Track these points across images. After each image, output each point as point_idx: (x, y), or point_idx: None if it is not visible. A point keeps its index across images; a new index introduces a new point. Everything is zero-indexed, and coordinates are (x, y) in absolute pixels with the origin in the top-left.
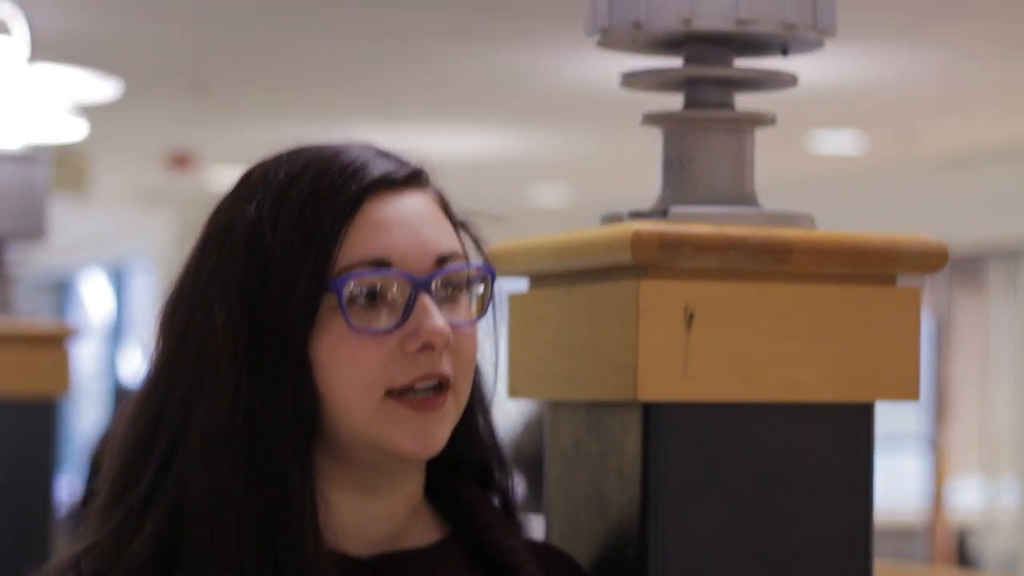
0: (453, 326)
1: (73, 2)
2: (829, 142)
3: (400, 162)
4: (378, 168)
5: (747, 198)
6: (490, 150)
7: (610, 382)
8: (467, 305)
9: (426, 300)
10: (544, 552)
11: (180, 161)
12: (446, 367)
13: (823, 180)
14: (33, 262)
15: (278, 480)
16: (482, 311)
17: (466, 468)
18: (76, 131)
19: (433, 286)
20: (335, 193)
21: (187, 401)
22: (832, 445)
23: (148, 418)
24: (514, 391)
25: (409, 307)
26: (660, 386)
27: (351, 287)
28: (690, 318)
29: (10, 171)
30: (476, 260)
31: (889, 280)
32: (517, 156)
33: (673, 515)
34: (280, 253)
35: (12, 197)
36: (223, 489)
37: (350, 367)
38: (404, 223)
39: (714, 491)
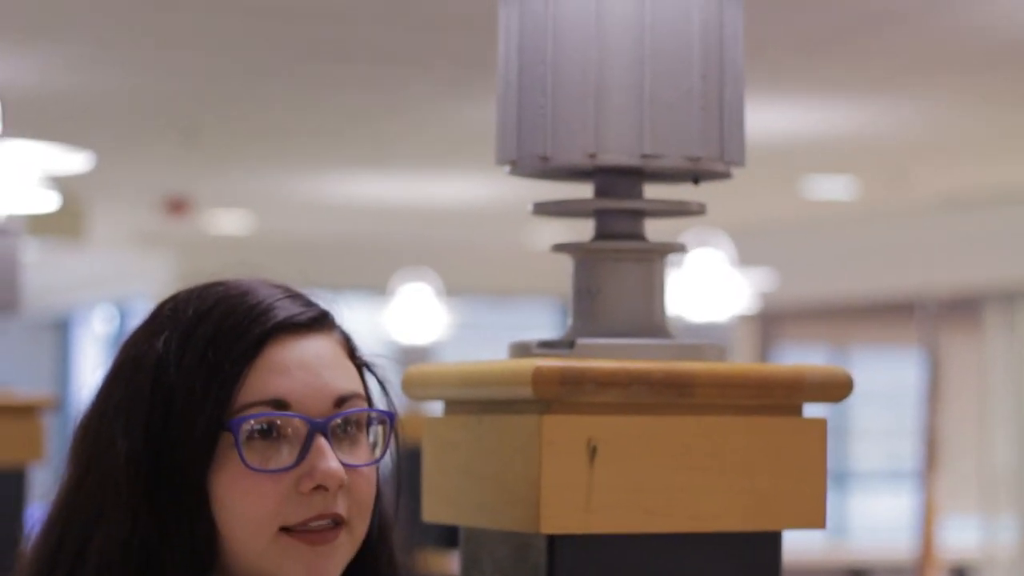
0: (349, 467)
1: (72, 56)
2: (822, 187)
3: (306, 304)
4: (283, 311)
5: (657, 329)
6: (484, 196)
7: (516, 513)
8: (366, 446)
9: (322, 442)
10: None
11: (177, 206)
12: (340, 507)
13: (817, 224)
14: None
15: None
16: (382, 453)
17: None
18: (48, 203)
19: (330, 428)
20: (239, 335)
21: (87, 530)
22: (739, 574)
23: (52, 542)
24: (429, 514)
25: (305, 448)
26: (564, 519)
27: (249, 426)
28: (593, 451)
29: None
30: (378, 403)
31: (794, 410)
32: (510, 201)
33: None
34: (183, 391)
35: None
36: None
37: (245, 503)
38: (304, 366)
39: None
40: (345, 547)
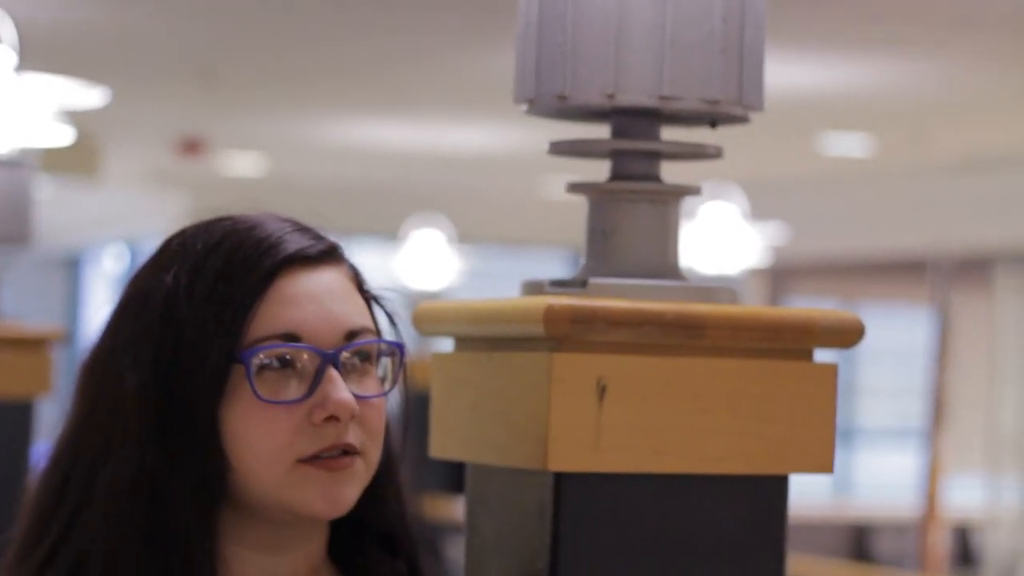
0: (360, 398)
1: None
2: (838, 143)
3: (316, 237)
4: (292, 244)
5: (670, 271)
6: (499, 143)
7: (524, 450)
8: (376, 378)
9: (333, 373)
10: None
11: (191, 147)
12: (352, 437)
13: (832, 181)
14: (48, 239)
15: (180, 543)
16: (392, 384)
17: (372, 534)
18: (63, 137)
19: (341, 359)
20: (249, 268)
21: (94, 464)
22: (745, 518)
23: (58, 477)
24: (436, 450)
25: (317, 379)
26: (571, 457)
27: (260, 359)
28: (603, 390)
29: None
30: (387, 335)
31: (805, 355)
32: (525, 149)
33: None
34: (193, 324)
35: None
36: (121, 551)
37: (259, 435)
38: (315, 299)
39: (625, 562)
40: (362, 475)
